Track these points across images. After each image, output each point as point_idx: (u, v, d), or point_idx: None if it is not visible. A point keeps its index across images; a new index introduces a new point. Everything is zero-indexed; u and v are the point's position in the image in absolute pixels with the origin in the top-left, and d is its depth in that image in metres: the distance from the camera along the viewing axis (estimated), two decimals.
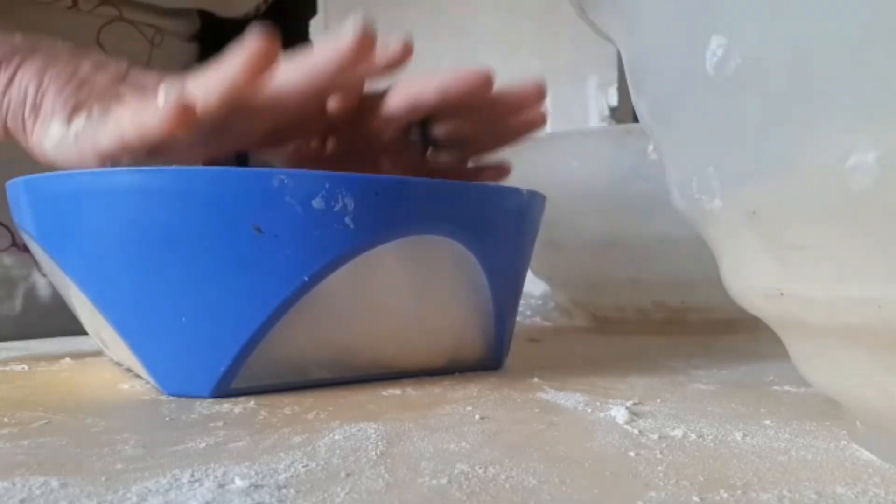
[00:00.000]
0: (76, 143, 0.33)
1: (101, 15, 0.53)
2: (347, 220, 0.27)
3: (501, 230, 0.34)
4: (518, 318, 0.57)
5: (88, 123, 0.33)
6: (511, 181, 0.56)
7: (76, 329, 0.56)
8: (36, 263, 0.55)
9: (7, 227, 0.54)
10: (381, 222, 0.28)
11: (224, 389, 0.28)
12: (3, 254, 0.54)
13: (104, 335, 0.32)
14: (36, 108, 0.36)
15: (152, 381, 0.29)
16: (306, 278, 0.27)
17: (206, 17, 0.63)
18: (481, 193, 0.32)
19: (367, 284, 0.30)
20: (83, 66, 0.36)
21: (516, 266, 0.36)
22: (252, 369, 0.28)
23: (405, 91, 0.36)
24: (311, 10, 0.72)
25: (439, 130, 0.37)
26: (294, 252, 0.27)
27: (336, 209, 0.27)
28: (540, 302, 0.75)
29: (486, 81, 0.35)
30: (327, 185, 0.27)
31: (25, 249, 0.55)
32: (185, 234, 0.27)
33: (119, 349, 0.31)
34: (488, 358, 0.35)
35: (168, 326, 0.28)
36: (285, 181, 0.27)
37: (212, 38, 0.64)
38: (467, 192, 0.32)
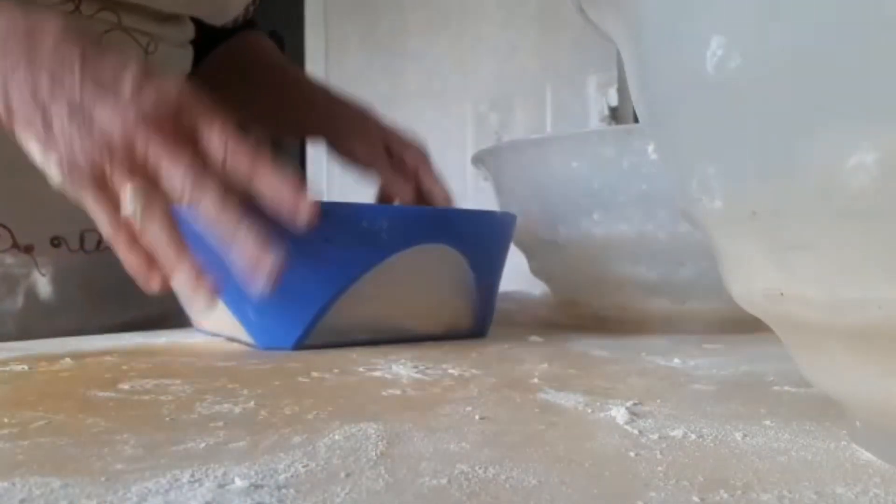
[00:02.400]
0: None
1: (101, 20, 0.54)
2: (384, 234, 0.42)
3: (484, 241, 0.48)
4: (518, 318, 0.64)
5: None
6: (512, 181, 0.57)
7: (76, 326, 0.56)
8: (35, 263, 0.55)
9: (8, 229, 0.55)
10: (405, 236, 0.43)
11: (301, 344, 0.42)
12: (5, 254, 0.55)
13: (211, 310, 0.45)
14: (8, 109, 0.38)
15: (251, 340, 0.43)
16: (358, 272, 0.42)
17: (200, 22, 0.64)
18: (470, 217, 0.48)
19: (393, 276, 0.43)
20: (42, 82, 0.37)
21: (494, 265, 0.50)
22: (319, 331, 0.43)
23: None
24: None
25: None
26: (350, 255, 0.41)
27: (376, 228, 0.42)
28: (540, 302, 0.75)
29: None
30: (369, 213, 0.42)
31: (25, 250, 0.55)
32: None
33: (224, 319, 0.45)
34: (475, 328, 0.49)
35: (264, 300, 0.40)
36: (347, 210, 0.42)
37: (205, 43, 0.66)
38: (460, 216, 0.48)
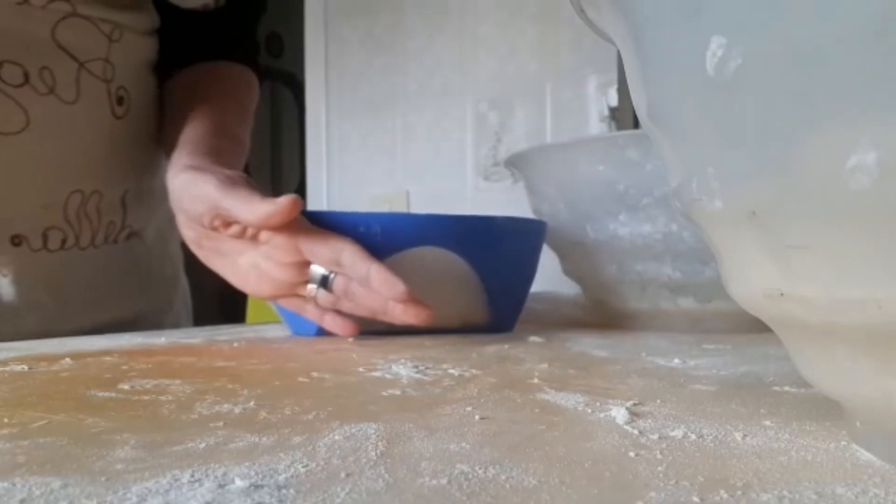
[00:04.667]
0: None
1: (54, 10, 0.52)
2: (378, 238, 0.48)
3: (480, 243, 0.53)
4: (549, 317, 0.69)
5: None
6: (542, 184, 0.60)
7: (43, 329, 0.54)
8: None
9: None
10: (398, 239, 0.49)
11: (322, 332, 0.50)
12: None
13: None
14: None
15: (288, 327, 0.53)
16: None
17: (164, 10, 0.61)
18: (462, 222, 0.53)
19: (403, 273, 0.46)
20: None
21: (500, 266, 0.54)
22: None
23: (333, 249, 0.46)
24: (262, 7, 0.69)
25: (340, 283, 0.47)
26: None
27: (372, 232, 0.48)
28: (572, 302, 0.75)
29: (403, 297, 0.44)
30: (365, 220, 0.49)
31: None
32: None
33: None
34: (492, 323, 0.55)
35: None
36: (348, 217, 0.49)
37: (171, 32, 0.62)
38: (451, 221, 0.52)
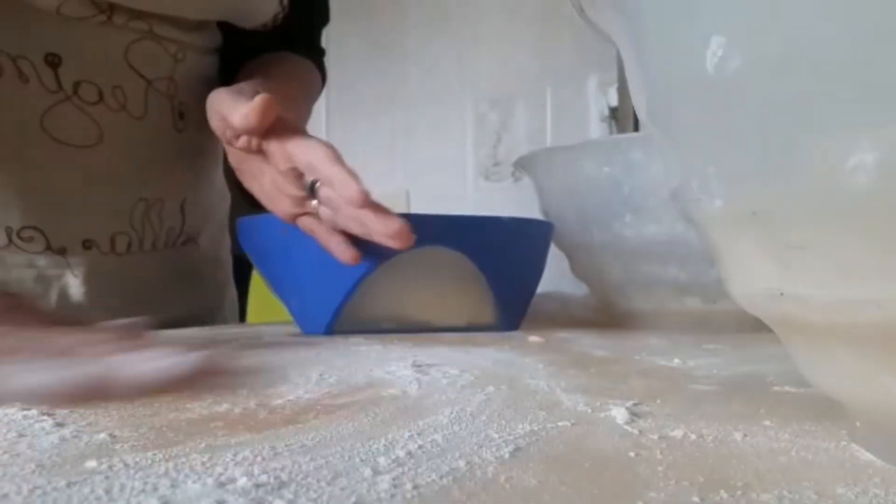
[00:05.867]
0: None
1: (132, 30, 0.56)
2: None
3: (487, 244, 0.54)
4: (558, 317, 0.70)
5: None
6: (550, 186, 0.61)
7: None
8: (68, 265, 0.58)
9: (42, 232, 0.56)
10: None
11: (331, 330, 0.52)
12: (39, 256, 0.57)
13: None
14: None
15: (299, 326, 0.55)
16: (368, 269, 0.50)
17: (226, 30, 0.65)
18: (469, 222, 0.55)
19: (404, 273, 0.50)
20: None
21: (506, 266, 0.55)
22: (347, 319, 0.52)
23: (309, 152, 0.46)
24: (324, 18, 0.74)
25: (324, 192, 0.47)
26: (363, 254, 0.48)
27: None
28: (581, 302, 0.76)
29: (357, 200, 0.43)
30: None
31: (59, 252, 0.57)
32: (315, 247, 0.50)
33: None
34: (498, 322, 0.56)
35: (304, 296, 0.53)
36: None
37: (231, 51, 0.66)
38: (459, 221, 0.54)
